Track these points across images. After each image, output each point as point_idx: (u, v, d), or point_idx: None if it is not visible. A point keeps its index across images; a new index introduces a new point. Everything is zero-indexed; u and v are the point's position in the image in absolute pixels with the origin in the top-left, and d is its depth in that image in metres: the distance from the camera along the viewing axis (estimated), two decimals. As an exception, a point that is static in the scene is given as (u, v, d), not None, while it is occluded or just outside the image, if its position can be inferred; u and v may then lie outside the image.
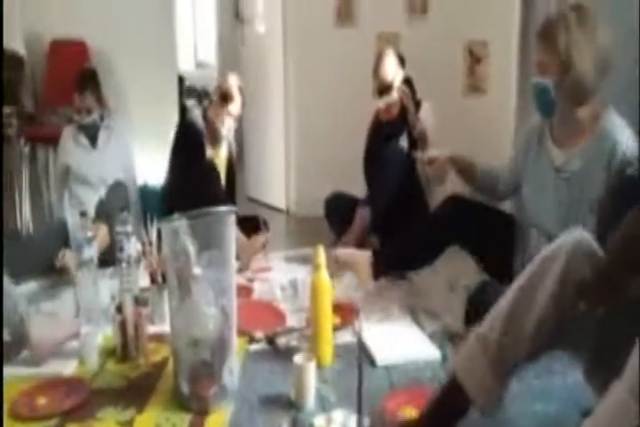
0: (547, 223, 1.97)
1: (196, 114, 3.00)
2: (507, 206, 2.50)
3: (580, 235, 1.27)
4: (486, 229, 2.14)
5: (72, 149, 3.22)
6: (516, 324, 1.25)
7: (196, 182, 2.83)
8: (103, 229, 2.78)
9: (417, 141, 2.99)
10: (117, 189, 3.06)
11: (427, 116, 2.96)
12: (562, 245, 1.27)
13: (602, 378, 1.26)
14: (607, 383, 1.07)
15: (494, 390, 1.25)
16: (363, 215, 2.83)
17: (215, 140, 2.96)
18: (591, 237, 1.28)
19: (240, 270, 2.73)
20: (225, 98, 2.87)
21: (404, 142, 2.95)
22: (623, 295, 1.22)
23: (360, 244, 2.86)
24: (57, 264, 2.55)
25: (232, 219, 1.66)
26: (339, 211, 3.08)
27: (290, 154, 4.30)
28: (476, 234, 2.12)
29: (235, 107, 2.89)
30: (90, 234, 2.26)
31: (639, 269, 1.19)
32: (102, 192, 3.06)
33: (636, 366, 1.01)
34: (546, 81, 1.86)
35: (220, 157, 3.03)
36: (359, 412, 1.32)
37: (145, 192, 3.41)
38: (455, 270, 2.40)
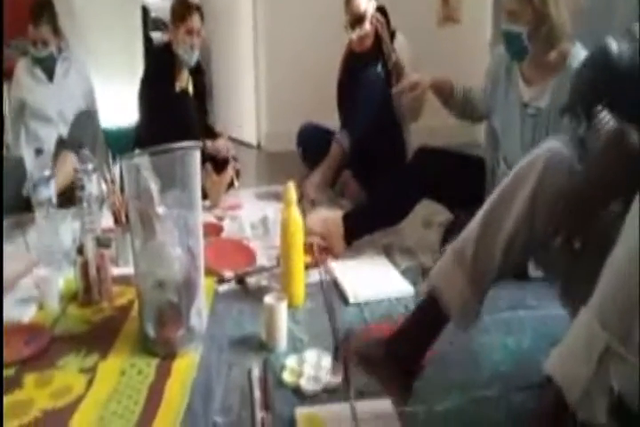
0: (513, 156, 1.95)
1: (160, 44, 2.85)
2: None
3: (554, 146, 1.24)
4: (458, 178, 2.10)
5: (27, 83, 3.06)
6: (489, 236, 1.23)
7: (167, 116, 2.71)
8: (70, 161, 2.64)
9: (391, 73, 2.88)
10: (86, 119, 2.92)
11: (401, 47, 2.84)
12: (536, 157, 1.23)
13: (575, 304, 1.22)
14: (579, 309, 1.04)
15: (471, 302, 1.23)
16: (338, 145, 2.70)
17: (180, 67, 2.82)
18: (564, 147, 1.23)
19: (210, 208, 2.66)
20: (182, 14, 2.73)
21: (379, 71, 2.84)
22: (597, 221, 1.19)
23: (333, 178, 2.78)
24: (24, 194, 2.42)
25: (197, 155, 1.57)
26: (312, 143, 2.96)
27: (260, 87, 4.16)
28: (449, 184, 2.08)
29: (193, 22, 2.75)
30: (47, 173, 2.15)
31: (615, 193, 1.16)
32: (61, 129, 2.93)
33: (603, 292, 0.99)
34: (518, 28, 1.82)
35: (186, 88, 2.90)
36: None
37: (110, 132, 3.27)
38: (429, 208, 2.34)
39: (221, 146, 2.86)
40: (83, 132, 2.81)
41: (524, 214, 1.20)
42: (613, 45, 1.21)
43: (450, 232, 2.06)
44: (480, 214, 1.27)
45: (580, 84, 1.35)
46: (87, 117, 2.93)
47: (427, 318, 1.27)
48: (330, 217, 2.19)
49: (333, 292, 1.89)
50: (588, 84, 1.29)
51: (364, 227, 2.16)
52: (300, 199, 2.54)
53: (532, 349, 1.54)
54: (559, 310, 1.60)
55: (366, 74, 2.77)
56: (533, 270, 1.85)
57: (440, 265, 1.29)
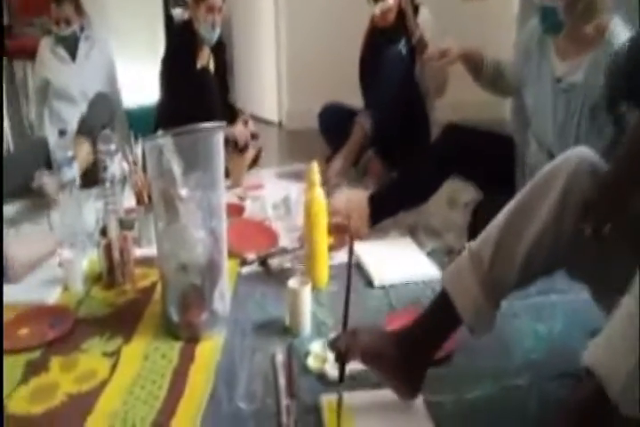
0: (545, 134, 1.88)
1: (181, 22, 2.80)
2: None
3: (582, 152, 1.18)
4: (487, 156, 2.02)
5: (51, 62, 3.05)
6: (509, 242, 1.16)
7: (188, 95, 2.68)
8: (85, 147, 2.65)
9: (415, 49, 2.80)
10: (101, 102, 2.90)
11: (425, 22, 2.75)
12: (564, 162, 1.18)
13: (610, 300, 1.16)
14: (613, 301, 1.01)
15: (484, 309, 1.17)
16: (360, 126, 2.65)
17: (201, 44, 2.78)
18: (594, 154, 1.18)
19: (231, 187, 2.64)
20: None
21: (402, 48, 2.76)
22: (627, 213, 1.15)
23: (357, 158, 2.73)
24: (33, 185, 2.42)
25: (220, 135, 1.53)
26: (334, 123, 2.90)
27: (281, 63, 4.09)
28: (478, 162, 2.01)
29: None
30: (70, 154, 2.13)
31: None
32: (84, 108, 2.90)
33: None
34: (554, 2, 1.73)
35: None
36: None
37: (132, 111, 3.25)
38: (455, 188, 2.30)
39: (239, 133, 2.81)
40: (98, 116, 2.79)
41: (550, 220, 1.14)
42: None
43: (477, 214, 2.00)
44: (502, 217, 1.20)
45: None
46: (102, 100, 2.91)
47: (440, 316, 1.21)
48: (355, 197, 2.14)
49: (358, 275, 1.85)
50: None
51: (389, 207, 2.11)
52: (323, 184, 2.50)
53: (564, 335, 1.50)
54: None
55: (389, 51, 2.70)
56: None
57: (455, 266, 1.22)
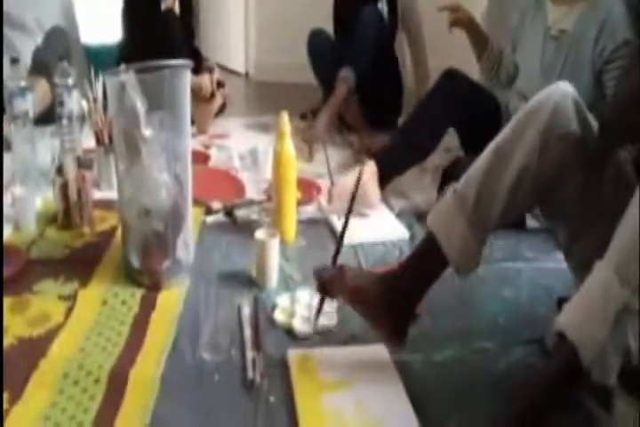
0: (530, 85, 1.85)
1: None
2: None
3: (567, 87, 1.15)
4: (480, 109, 1.98)
5: (2, -12, 2.83)
6: (494, 179, 1.15)
7: (151, 36, 2.55)
8: (43, 85, 2.49)
9: (396, 7, 2.73)
10: (56, 35, 2.72)
11: None
12: (545, 97, 1.15)
13: (581, 255, 1.21)
14: (586, 262, 0.99)
15: (472, 248, 1.15)
16: (344, 81, 2.51)
17: None
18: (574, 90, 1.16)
19: (196, 135, 2.54)
20: None
21: (383, 8, 2.68)
22: (610, 164, 1.15)
23: (341, 114, 2.66)
24: None
25: (187, 74, 1.44)
26: (322, 50, 2.77)
27: (249, 13, 3.95)
28: (472, 114, 1.96)
29: None
30: (23, 83, 1.99)
31: (634, 134, 1.12)
32: (39, 39, 2.73)
33: (621, 245, 0.93)
34: None
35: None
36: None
37: (93, 49, 3.08)
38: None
39: (205, 83, 2.69)
40: (53, 50, 2.62)
41: (532, 153, 1.12)
42: None
43: (448, 174, 1.97)
44: (485, 154, 1.18)
45: None
46: (58, 33, 2.73)
47: (426, 260, 1.19)
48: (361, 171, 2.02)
49: (327, 233, 1.81)
50: None
51: (399, 166, 2.00)
52: (309, 140, 2.44)
53: (530, 301, 1.49)
54: (556, 264, 1.59)
55: (369, 9, 2.59)
56: (531, 221, 1.81)
57: (439, 207, 1.20)
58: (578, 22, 1.75)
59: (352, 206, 1.27)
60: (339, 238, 1.25)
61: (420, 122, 2.01)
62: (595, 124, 1.15)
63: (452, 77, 2.01)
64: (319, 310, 1.23)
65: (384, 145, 2.05)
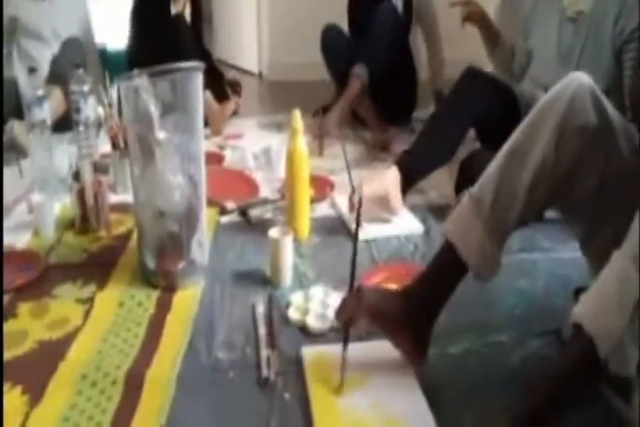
0: (545, 71, 1.83)
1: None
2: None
3: (583, 78, 1.11)
4: (501, 106, 1.93)
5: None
6: (509, 179, 1.12)
7: (162, 38, 2.58)
8: (57, 94, 2.53)
9: (412, 10, 2.71)
10: (72, 45, 2.76)
11: None
12: (561, 89, 1.11)
13: (597, 247, 1.19)
14: (602, 253, 0.98)
15: (490, 252, 1.13)
16: (358, 78, 2.51)
17: None
18: (591, 79, 1.12)
19: (210, 136, 2.56)
20: None
21: (398, 4, 2.67)
22: (631, 159, 1.11)
23: (353, 110, 2.65)
24: (5, 139, 2.31)
25: (199, 76, 1.45)
26: (336, 46, 2.75)
27: (261, 11, 3.95)
28: (493, 111, 1.91)
29: None
30: (41, 92, 2.03)
31: None
32: (56, 49, 2.77)
33: (637, 234, 0.91)
34: None
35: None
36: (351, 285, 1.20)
37: (108, 53, 3.11)
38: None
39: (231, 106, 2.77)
40: (69, 60, 2.66)
41: (548, 149, 1.09)
42: None
43: (465, 167, 1.96)
44: (500, 155, 1.15)
45: None
46: (74, 44, 2.77)
47: (444, 269, 1.17)
48: (383, 180, 1.88)
49: (340, 227, 1.81)
50: None
51: (421, 170, 1.92)
52: (321, 136, 2.44)
53: (546, 292, 1.48)
54: (573, 253, 1.55)
55: (383, 5, 2.58)
56: (547, 211, 1.79)
57: (456, 213, 1.18)
58: (596, 2, 1.71)
59: (358, 231, 1.24)
60: (352, 262, 1.20)
61: (442, 125, 1.94)
62: (613, 113, 1.12)
63: (473, 76, 1.96)
64: (346, 341, 1.18)
65: (406, 149, 1.96)
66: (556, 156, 1.09)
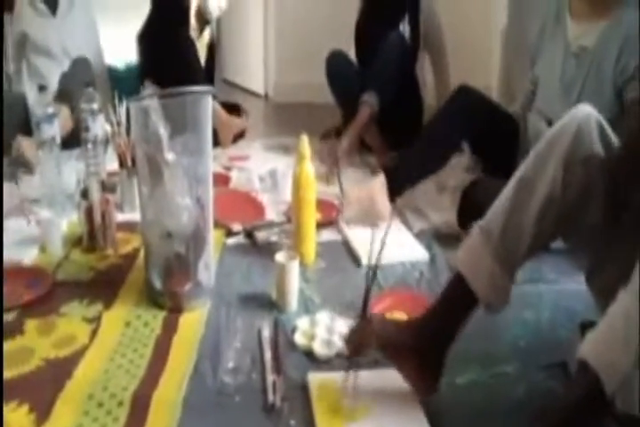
0: (549, 102, 1.85)
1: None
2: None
3: (588, 110, 1.14)
4: (495, 127, 1.98)
5: (29, 16, 2.89)
6: (518, 209, 1.14)
7: (174, 57, 2.62)
8: (65, 112, 2.55)
9: (419, 28, 2.75)
10: (81, 64, 2.80)
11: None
12: (567, 121, 1.14)
13: (603, 282, 1.18)
14: (608, 289, 1.00)
15: (499, 281, 1.15)
16: (368, 105, 2.54)
17: (200, 21, 2.72)
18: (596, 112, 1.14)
19: (219, 155, 2.58)
20: None
21: (405, 30, 2.70)
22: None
23: (362, 139, 2.67)
24: (12, 154, 2.33)
25: (209, 100, 1.47)
26: (341, 72, 2.77)
27: (269, 35, 4.00)
28: (486, 130, 1.96)
29: None
30: (51, 110, 2.05)
31: None
32: (65, 66, 2.80)
33: None
34: None
35: (202, 39, 2.80)
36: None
37: (116, 70, 3.15)
38: (443, 171, 2.25)
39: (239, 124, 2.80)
40: (77, 80, 2.69)
41: (556, 180, 1.11)
42: None
43: (468, 194, 1.97)
44: (509, 187, 1.17)
45: None
46: (82, 63, 2.81)
47: (454, 301, 1.18)
48: (369, 185, 1.99)
49: (345, 253, 1.82)
50: None
51: (408, 177, 2.01)
52: (333, 163, 2.44)
53: (551, 324, 1.48)
54: (578, 285, 1.55)
55: (389, 38, 2.60)
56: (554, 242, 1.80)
57: (466, 244, 1.19)
58: (600, 39, 1.73)
59: (375, 275, 1.26)
60: (365, 292, 1.22)
61: (431, 135, 2.03)
62: (618, 144, 1.14)
63: (465, 92, 2.02)
64: (352, 368, 1.20)
65: (393, 155, 2.08)
66: (563, 186, 1.11)
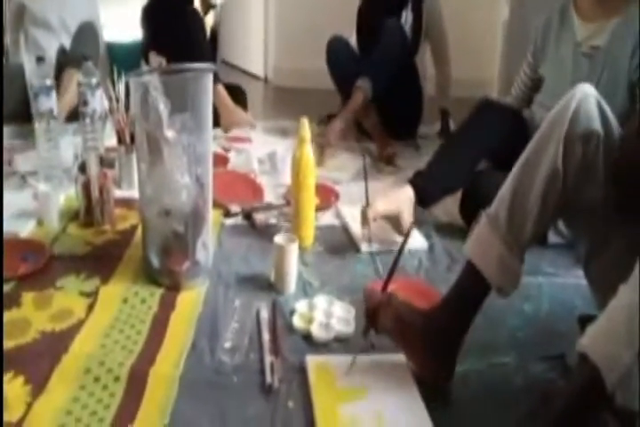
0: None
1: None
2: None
3: (587, 88, 1.14)
4: (515, 137, 1.93)
5: (26, -14, 2.85)
6: (522, 194, 1.15)
7: (181, 30, 2.59)
8: (76, 79, 2.49)
9: (421, 17, 2.73)
10: (87, 31, 2.74)
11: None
12: (568, 99, 1.14)
13: (600, 268, 1.20)
14: (604, 276, 1.02)
15: (509, 264, 1.15)
16: (362, 90, 2.51)
17: (205, 4, 2.68)
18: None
19: (219, 136, 2.56)
20: None
21: (405, 22, 2.68)
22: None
23: (355, 121, 2.65)
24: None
25: (210, 78, 1.45)
26: (341, 57, 2.76)
27: (269, 18, 3.96)
28: (507, 143, 1.80)
29: None
30: (49, 82, 2.01)
31: None
32: (63, 39, 2.75)
33: None
34: None
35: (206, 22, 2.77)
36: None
37: (115, 47, 3.10)
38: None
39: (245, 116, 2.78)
40: (85, 46, 2.65)
41: (557, 157, 1.12)
42: None
43: (470, 187, 1.96)
44: (513, 171, 1.18)
45: None
46: (89, 29, 2.76)
47: (466, 289, 1.19)
48: (396, 197, 1.84)
49: (344, 239, 1.81)
50: None
51: (435, 195, 1.89)
52: (323, 146, 2.43)
53: (550, 316, 1.48)
54: (576, 279, 1.57)
55: (390, 27, 2.58)
56: (552, 236, 1.80)
57: (475, 233, 1.20)
58: (612, 37, 1.72)
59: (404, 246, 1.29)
60: (392, 265, 1.24)
61: (456, 153, 1.93)
62: (616, 125, 1.14)
63: (488, 108, 1.96)
64: (367, 330, 1.22)
65: (419, 170, 1.92)
66: (564, 164, 1.12)
